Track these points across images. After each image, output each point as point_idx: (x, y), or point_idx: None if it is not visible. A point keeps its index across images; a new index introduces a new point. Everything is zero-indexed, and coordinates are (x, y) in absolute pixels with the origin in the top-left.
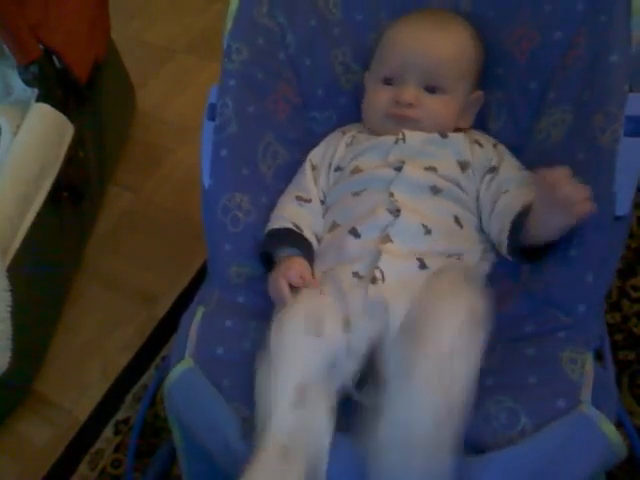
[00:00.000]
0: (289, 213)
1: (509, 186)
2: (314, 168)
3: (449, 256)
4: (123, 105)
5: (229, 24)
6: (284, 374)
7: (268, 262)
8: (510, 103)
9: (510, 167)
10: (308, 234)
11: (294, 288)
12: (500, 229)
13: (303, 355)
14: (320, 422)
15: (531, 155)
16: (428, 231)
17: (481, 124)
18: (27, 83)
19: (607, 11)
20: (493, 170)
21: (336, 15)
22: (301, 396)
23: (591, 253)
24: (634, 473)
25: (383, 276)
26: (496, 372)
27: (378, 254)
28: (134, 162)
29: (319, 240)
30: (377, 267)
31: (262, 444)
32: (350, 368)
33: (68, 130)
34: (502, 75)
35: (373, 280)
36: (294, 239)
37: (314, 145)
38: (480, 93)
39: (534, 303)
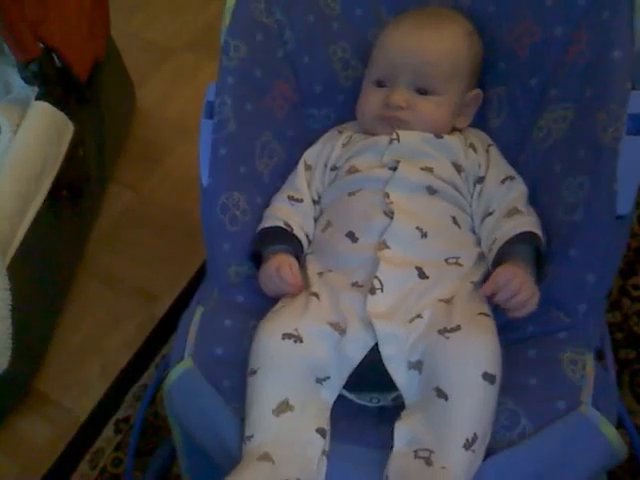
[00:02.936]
0: (280, 212)
1: (494, 206)
2: (308, 168)
3: (447, 260)
4: (123, 103)
5: (226, 20)
6: (265, 381)
7: (259, 261)
8: (511, 99)
9: (494, 179)
10: (299, 233)
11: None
12: (486, 252)
13: (284, 361)
14: (307, 430)
15: (531, 153)
16: (424, 234)
17: (482, 121)
18: (27, 81)
19: (610, 7)
20: (481, 180)
21: (335, 10)
22: (283, 404)
23: (592, 253)
24: (635, 472)
25: (382, 286)
26: None
27: (376, 262)
28: (134, 160)
29: (310, 240)
30: (376, 276)
31: (243, 452)
32: (344, 374)
33: (68, 128)
34: (503, 70)
35: (372, 290)
36: (284, 237)
37: (311, 143)
38: (478, 92)
39: None
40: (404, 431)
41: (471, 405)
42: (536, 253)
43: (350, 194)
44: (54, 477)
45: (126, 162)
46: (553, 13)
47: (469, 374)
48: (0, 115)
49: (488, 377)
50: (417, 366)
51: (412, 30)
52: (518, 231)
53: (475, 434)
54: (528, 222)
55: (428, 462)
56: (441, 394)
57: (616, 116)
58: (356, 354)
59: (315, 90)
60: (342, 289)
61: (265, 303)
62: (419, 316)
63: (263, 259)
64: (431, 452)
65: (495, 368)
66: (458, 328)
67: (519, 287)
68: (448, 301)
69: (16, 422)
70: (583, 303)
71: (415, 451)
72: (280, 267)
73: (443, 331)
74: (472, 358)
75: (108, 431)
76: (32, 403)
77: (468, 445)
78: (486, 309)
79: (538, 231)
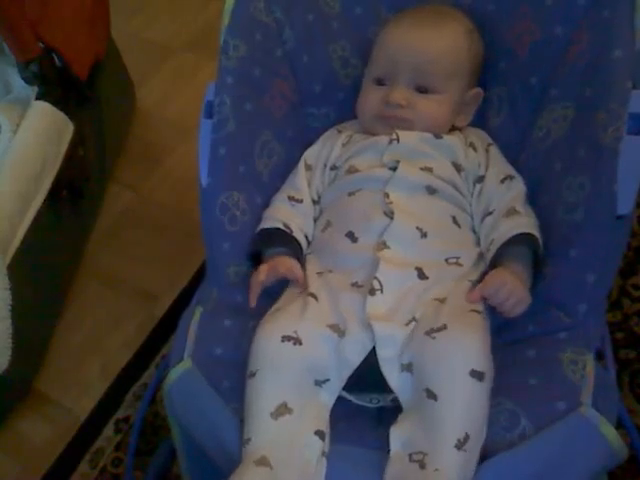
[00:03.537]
0: (280, 213)
1: (494, 206)
2: (308, 168)
3: (447, 260)
4: (123, 103)
5: (226, 20)
6: (263, 383)
7: (258, 262)
8: (511, 99)
9: (494, 178)
10: (298, 235)
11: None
12: (484, 252)
13: (283, 364)
14: (305, 433)
15: (531, 152)
16: (424, 234)
17: (482, 120)
18: (27, 81)
19: (610, 6)
20: (481, 180)
21: (335, 9)
22: (282, 407)
23: (592, 253)
24: (635, 472)
25: (382, 286)
26: (496, 374)
27: (376, 262)
28: (134, 160)
29: (309, 241)
30: (375, 277)
31: (242, 454)
32: (343, 376)
33: (68, 128)
34: (503, 70)
35: (371, 291)
36: (283, 239)
37: (311, 142)
38: (478, 90)
39: (535, 303)
40: (399, 435)
41: (461, 404)
42: (533, 254)
43: (350, 194)
44: (54, 477)
45: (126, 162)
46: (553, 12)
47: (456, 373)
48: (0, 115)
49: (476, 374)
50: (408, 368)
51: (412, 28)
52: (515, 232)
53: (467, 434)
54: (526, 223)
55: (422, 465)
56: (431, 395)
57: (617, 116)
58: (355, 356)
59: (315, 89)
60: (342, 289)
61: (265, 303)
62: (414, 319)
63: (263, 261)
64: (424, 455)
65: (483, 365)
66: (444, 327)
67: (508, 295)
68: (442, 300)
69: (16, 422)
70: (583, 303)
71: (410, 454)
72: (277, 264)
73: (430, 331)
74: (458, 356)
75: (108, 431)
76: (32, 403)
77: (460, 445)
78: (478, 306)
79: (535, 232)
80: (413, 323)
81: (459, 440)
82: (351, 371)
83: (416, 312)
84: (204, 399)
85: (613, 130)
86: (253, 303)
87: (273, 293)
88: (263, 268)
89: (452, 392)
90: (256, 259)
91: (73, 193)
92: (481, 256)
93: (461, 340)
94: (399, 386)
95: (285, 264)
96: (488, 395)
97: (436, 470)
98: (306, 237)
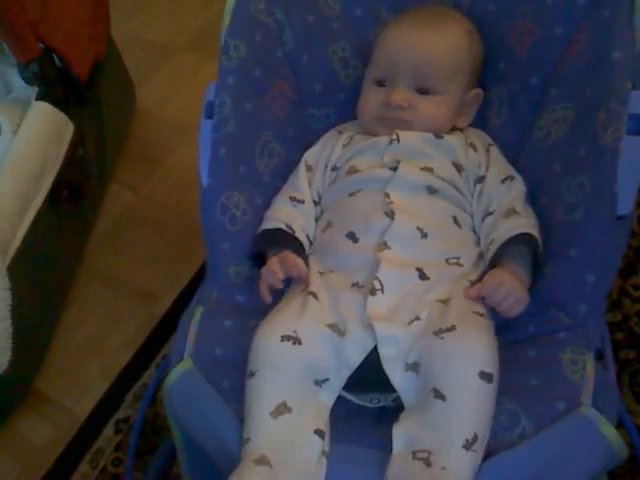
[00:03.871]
0: (282, 213)
1: (494, 206)
2: (309, 169)
3: (448, 260)
4: (123, 103)
5: (226, 20)
6: (263, 383)
7: (261, 262)
8: (511, 99)
9: (495, 178)
10: (300, 235)
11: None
12: (484, 252)
13: (283, 363)
14: (305, 432)
15: (531, 152)
16: (424, 235)
17: (482, 121)
18: (27, 81)
19: (610, 6)
20: (481, 180)
21: (335, 10)
22: (282, 406)
23: (592, 253)
24: (635, 472)
25: (382, 287)
26: None
27: (377, 263)
28: (134, 160)
29: (311, 241)
30: (376, 277)
31: (242, 454)
32: (343, 376)
33: (68, 128)
34: (503, 70)
35: (372, 291)
36: (286, 239)
37: (312, 143)
38: (478, 91)
39: (535, 303)
40: (402, 433)
41: (470, 405)
42: (533, 254)
43: (350, 194)
44: (54, 477)
45: (126, 162)
46: (553, 12)
47: (466, 374)
48: (0, 115)
49: (485, 376)
50: (414, 368)
51: (412, 29)
52: (514, 233)
53: (475, 434)
54: (525, 224)
55: (427, 463)
56: (438, 395)
57: (617, 116)
58: (356, 356)
59: (315, 90)
60: (342, 289)
61: (265, 303)
62: (417, 318)
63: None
64: (430, 453)
65: (491, 367)
66: (453, 328)
67: (506, 295)
68: (445, 301)
69: (16, 422)
70: (583, 303)
71: (414, 452)
72: (285, 258)
73: (438, 332)
74: (468, 357)
75: (108, 431)
76: (32, 403)
77: (468, 445)
78: (480, 308)
79: (535, 232)
80: (416, 322)
81: (467, 440)
82: (351, 371)
83: (419, 312)
84: (204, 399)
85: (613, 130)
86: (268, 298)
87: (275, 293)
88: (275, 265)
89: (461, 393)
90: (257, 260)
91: (73, 193)
92: (481, 256)
93: (470, 341)
94: (402, 385)
95: (291, 259)
96: (495, 396)
97: (443, 468)
98: (308, 237)
